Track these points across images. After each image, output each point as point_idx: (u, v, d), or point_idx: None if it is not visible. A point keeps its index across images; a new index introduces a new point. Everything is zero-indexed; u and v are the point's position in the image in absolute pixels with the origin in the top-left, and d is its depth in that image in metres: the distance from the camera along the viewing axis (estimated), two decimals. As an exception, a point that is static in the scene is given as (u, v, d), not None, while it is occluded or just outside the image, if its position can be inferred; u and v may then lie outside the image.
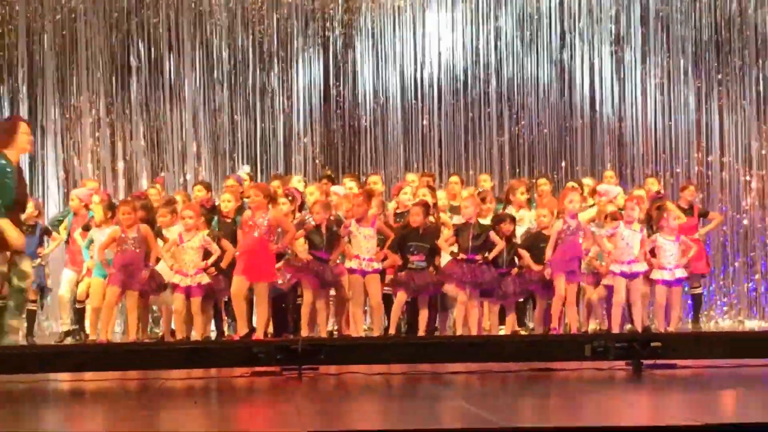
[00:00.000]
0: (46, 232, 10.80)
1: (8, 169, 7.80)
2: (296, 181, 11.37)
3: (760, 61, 14.03)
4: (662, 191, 11.74)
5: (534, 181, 12.33)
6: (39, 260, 10.51)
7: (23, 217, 10.39)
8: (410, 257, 9.63)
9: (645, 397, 6.27)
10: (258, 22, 13.94)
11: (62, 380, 7.28)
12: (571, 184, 10.98)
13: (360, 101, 14.00)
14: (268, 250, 9.38)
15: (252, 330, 9.49)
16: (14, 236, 7.71)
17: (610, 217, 10.08)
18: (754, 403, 6.04)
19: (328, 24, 14.05)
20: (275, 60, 13.93)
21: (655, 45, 14.18)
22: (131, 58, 13.68)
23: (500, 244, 9.69)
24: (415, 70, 14.08)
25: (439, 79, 14.08)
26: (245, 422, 5.54)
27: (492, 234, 9.66)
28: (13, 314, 7.76)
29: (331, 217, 9.75)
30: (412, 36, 14.09)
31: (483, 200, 10.42)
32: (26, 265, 7.93)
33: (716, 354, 7.60)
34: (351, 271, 9.71)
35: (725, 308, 13.52)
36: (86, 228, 10.33)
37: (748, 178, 13.96)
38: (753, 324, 12.90)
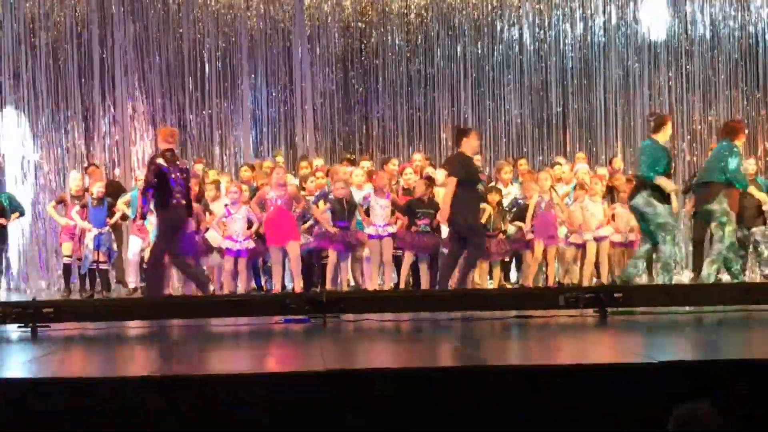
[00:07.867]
0: (112, 206, 10.63)
1: None
2: (321, 163, 11.25)
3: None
4: (621, 168, 11.41)
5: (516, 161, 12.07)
6: (107, 228, 10.42)
7: (94, 193, 10.28)
8: (417, 221, 9.55)
9: (610, 338, 6.21)
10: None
11: (131, 327, 7.21)
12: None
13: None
14: (290, 216, 9.30)
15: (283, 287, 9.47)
16: None
17: (580, 188, 9.97)
18: (700, 343, 6.00)
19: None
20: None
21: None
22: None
23: (487, 210, 9.57)
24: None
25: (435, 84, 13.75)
26: (280, 360, 5.50)
27: None
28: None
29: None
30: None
31: None
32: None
33: (667, 302, 7.50)
34: (370, 236, 9.62)
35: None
36: None
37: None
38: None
